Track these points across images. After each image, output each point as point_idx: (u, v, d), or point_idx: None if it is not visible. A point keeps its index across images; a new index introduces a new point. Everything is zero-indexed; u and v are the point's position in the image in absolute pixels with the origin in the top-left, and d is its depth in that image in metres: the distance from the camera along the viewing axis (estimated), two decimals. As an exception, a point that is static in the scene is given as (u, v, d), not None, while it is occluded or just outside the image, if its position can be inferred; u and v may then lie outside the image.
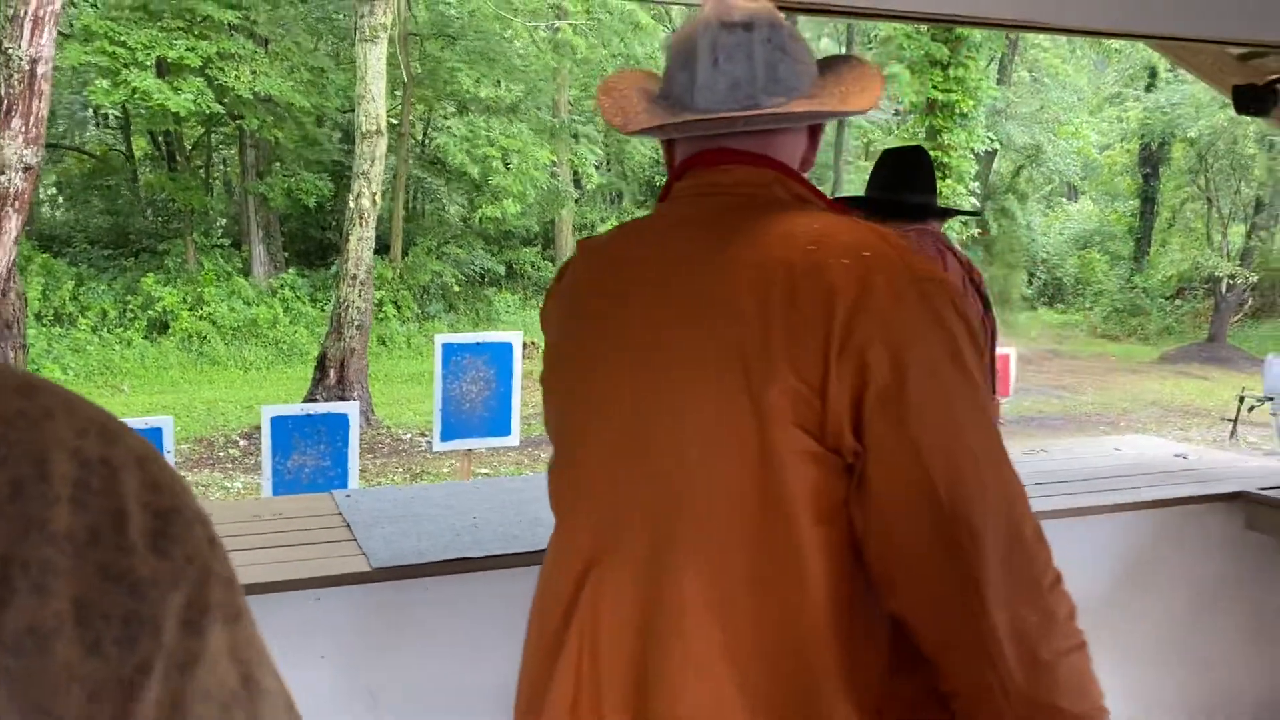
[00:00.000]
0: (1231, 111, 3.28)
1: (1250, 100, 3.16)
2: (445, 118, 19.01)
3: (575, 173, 20.80)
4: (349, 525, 2.67)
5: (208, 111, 15.67)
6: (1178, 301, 24.16)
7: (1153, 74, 23.69)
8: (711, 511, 1.07)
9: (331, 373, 11.94)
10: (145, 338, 15.85)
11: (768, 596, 1.06)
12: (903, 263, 1.07)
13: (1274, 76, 3.13)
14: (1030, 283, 25.32)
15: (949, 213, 3.30)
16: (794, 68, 1.19)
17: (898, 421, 1.01)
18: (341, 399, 10.93)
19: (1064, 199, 29.06)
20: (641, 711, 1.09)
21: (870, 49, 23.45)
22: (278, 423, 5.15)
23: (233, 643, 0.45)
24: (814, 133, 1.28)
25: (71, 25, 14.50)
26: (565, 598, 1.18)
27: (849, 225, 1.11)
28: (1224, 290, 22.12)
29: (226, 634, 0.44)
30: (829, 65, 1.27)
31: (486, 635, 2.47)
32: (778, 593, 1.06)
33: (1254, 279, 22.23)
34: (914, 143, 16.99)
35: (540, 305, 1.40)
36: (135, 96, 14.94)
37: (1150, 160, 25.28)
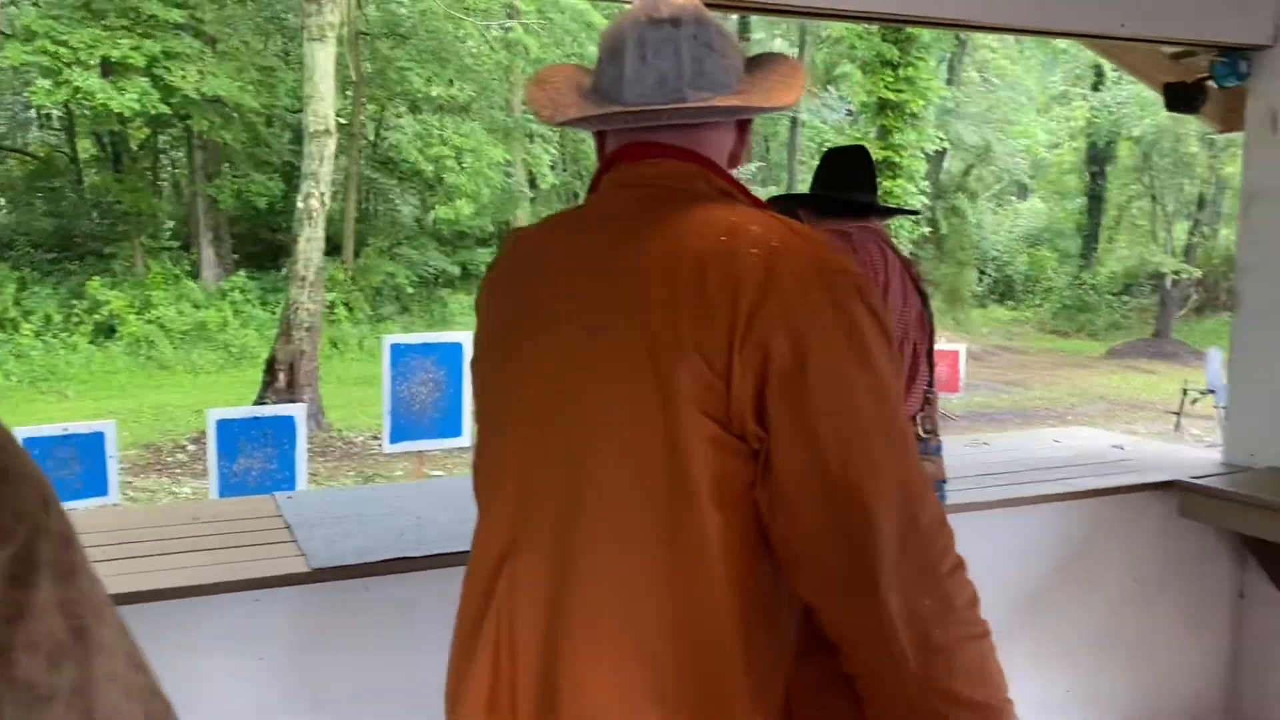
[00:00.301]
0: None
1: (1180, 98, 3.23)
2: (398, 116, 18.88)
3: (530, 172, 20.74)
4: (289, 526, 2.64)
5: (153, 112, 15.41)
6: (1125, 298, 24.60)
7: (1099, 73, 24.08)
8: (619, 497, 1.09)
9: (281, 376, 11.81)
10: (91, 342, 15.58)
11: (673, 580, 1.07)
12: (810, 254, 1.09)
13: (1203, 75, 3.20)
14: (981, 280, 25.64)
15: (891, 211, 3.35)
16: (720, 63, 1.21)
17: (798, 407, 1.03)
18: (292, 402, 10.81)
19: (1013, 197, 29.45)
20: (551, 697, 1.10)
21: (822, 49, 23.62)
22: (223, 426, 5.09)
23: (64, 598, 0.46)
24: (743, 129, 1.29)
25: (12, 24, 14.22)
26: (484, 586, 1.19)
27: (763, 218, 1.12)
28: (1169, 286, 22.56)
29: (57, 589, 0.45)
30: (755, 63, 1.29)
31: (428, 635, 2.46)
32: (683, 577, 1.07)
33: (1198, 275, 22.70)
34: (859, 141, 17.14)
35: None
36: (78, 96, 14.68)
37: (1097, 159, 25.72)
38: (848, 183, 2.70)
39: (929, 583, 1.04)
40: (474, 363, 1.33)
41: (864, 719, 1.12)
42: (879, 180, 2.86)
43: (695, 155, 1.21)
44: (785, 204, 2.76)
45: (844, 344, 1.05)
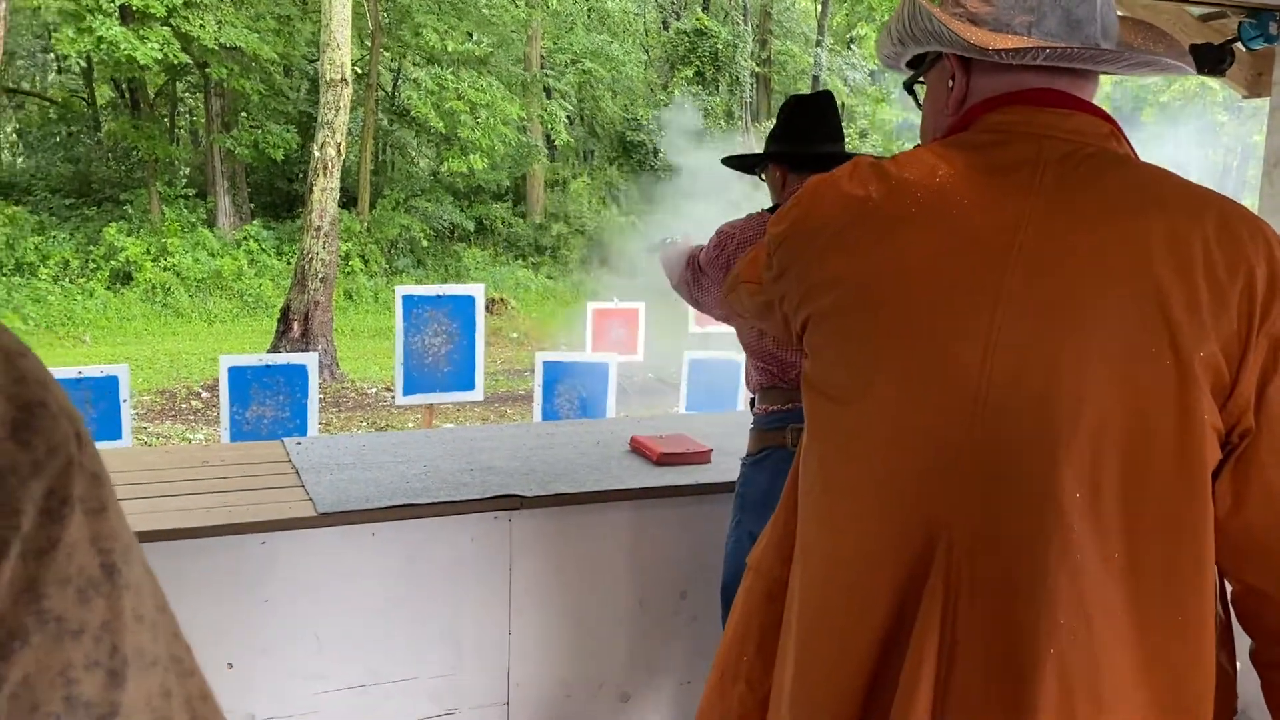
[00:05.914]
0: (1201, 77, 3.29)
1: (1208, 59, 3.17)
2: (416, 65, 18.73)
3: (546, 128, 20.58)
4: (297, 471, 2.66)
5: (175, 61, 15.36)
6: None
7: (1126, 38, 23.69)
8: (1118, 480, 1.05)
9: (295, 325, 11.84)
10: (108, 288, 15.64)
11: (1173, 565, 1.07)
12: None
13: (1231, 38, 3.14)
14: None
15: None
16: (1114, 17, 1.18)
17: None
18: (306, 351, 10.85)
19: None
20: (1026, 678, 1.06)
21: (842, 9, 23.29)
22: (235, 373, 5.11)
23: (95, 534, 0.46)
24: None
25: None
26: (903, 568, 1.12)
27: (1229, 199, 1.13)
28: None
29: (88, 524, 0.45)
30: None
31: (431, 580, 2.48)
32: (1182, 561, 1.07)
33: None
34: (883, 104, 16.89)
35: (782, 229, 1.32)
36: (102, 46, 14.63)
37: (1123, 124, 25.39)
38: (815, 134, 2.50)
39: None
40: (838, 306, 1.19)
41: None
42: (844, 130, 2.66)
43: (1101, 112, 1.19)
44: (751, 161, 2.58)
45: None
